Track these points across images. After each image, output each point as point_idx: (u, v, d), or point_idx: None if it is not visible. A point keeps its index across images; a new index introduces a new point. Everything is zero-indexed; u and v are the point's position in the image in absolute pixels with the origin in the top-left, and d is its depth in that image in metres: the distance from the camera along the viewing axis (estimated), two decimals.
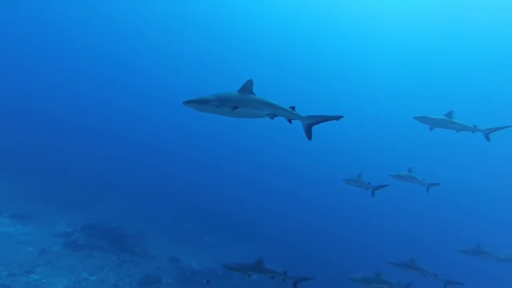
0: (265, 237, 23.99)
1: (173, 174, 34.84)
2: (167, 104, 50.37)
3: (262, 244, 22.89)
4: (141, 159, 37.41)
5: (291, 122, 5.73)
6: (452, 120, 9.25)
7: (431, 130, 9.40)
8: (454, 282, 9.05)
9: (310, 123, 5.65)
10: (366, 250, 21.24)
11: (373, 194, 10.41)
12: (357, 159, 46.80)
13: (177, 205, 26.39)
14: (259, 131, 49.00)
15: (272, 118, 5.46)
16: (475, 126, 9.28)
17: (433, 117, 9.11)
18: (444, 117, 9.25)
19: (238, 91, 5.35)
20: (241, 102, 5.06)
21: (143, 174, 32.04)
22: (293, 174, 45.55)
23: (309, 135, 5.70)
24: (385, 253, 11.17)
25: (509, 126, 8.73)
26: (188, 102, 4.80)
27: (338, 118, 5.37)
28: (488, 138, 9.22)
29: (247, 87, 5.36)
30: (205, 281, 10.87)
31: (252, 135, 51.87)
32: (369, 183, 10.35)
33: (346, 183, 10.73)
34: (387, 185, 10.21)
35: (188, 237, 21.30)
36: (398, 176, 10.55)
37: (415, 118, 9.12)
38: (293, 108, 5.62)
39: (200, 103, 4.81)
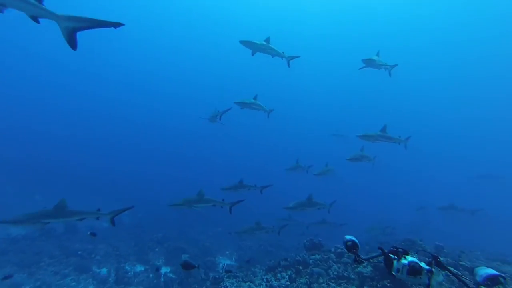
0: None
1: None
2: None
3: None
4: None
5: (38, 22, 4.01)
6: (270, 46, 10.49)
7: (253, 55, 10.43)
8: (266, 186, 11.40)
9: (73, 27, 4.05)
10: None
11: (220, 118, 13.75)
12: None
13: None
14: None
15: (1, 11, 3.82)
16: (283, 52, 11.15)
17: (255, 42, 10.04)
18: (264, 43, 10.32)
19: None
20: None
21: None
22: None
23: (72, 43, 4.12)
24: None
25: (298, 56, 11.62)
26: None
27: (116, 25, 4.11)
28: (288, 64, 11.70)
29: None
30: (89, 233, 9.78)
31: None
32: (220, 114, 13.50)
33: (209, 120, 14.24)
34: (229, 109, 12.65)
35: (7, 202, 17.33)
36: (243, 103, 11.47)
37: (240, 42, 9.76)
38: (40, 1, 3.91)
39: None
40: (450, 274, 2.73)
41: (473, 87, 53.99)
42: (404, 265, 2.59)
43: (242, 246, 16.97)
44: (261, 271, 9.94)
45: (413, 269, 2.54)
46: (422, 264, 2.59)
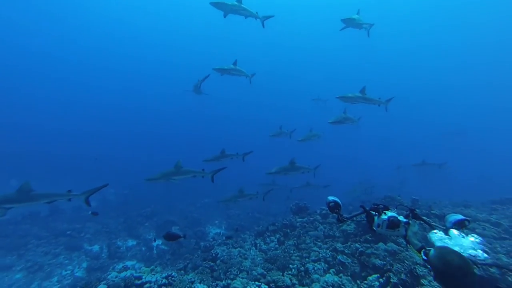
0: None
1: None
2: None
3: None
4: None
5: None
6: (242, 6, 10.19)
7: (225, 16, 10.08)
8: (247, 153, 11.48)
9: None
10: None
11: (200, 86, 14.52)
12: None
13: None
14: None
15: None
16: (256, 13, 11.01)
17: (227, 2, 9.67)
18: (236, 3, 9.96)
19: None
20: None
21: None
22: None
23: None
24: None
25: (273, 16, 11.54)
26: None
27: None
28: (263, 25, 11.56)
29: None
30: (90, 213, 9.80)
31: None
32: (199, 83, 14.19)
33: (193, 92, 14.83)
34: (208, 75, 13.00)
35: None
36: (222, 69, 11.14)
37: (211, 3, 9.38)
38: None
39: None
40: (424, 223, 2.97)
41: (444, 54, 55.81)
42: (384, 220, 2.76)
43: (230, 214, 17.47)
44: (251, 237, 10.38)
45: (392, 223, 2.72)
46: (400, 218, 2.76)
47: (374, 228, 2.85)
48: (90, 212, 10.02)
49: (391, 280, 5.75)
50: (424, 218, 2.99)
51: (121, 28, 57.60)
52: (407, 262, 6.21)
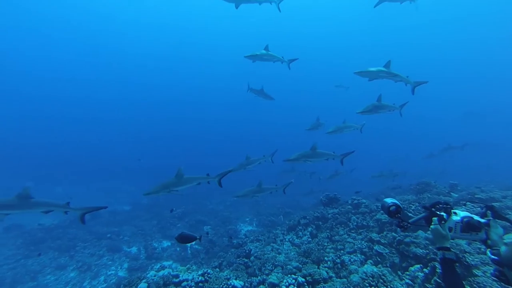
0: None
1: None
2: None
3: None
4: None
5: None
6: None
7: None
8: (274, 152, 11.16)
9: None
10: None
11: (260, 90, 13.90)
12: None
13: None
14: None
15: None
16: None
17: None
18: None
19: None
20: None
21: None
22: None
23: None
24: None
25: None
26: None
27: None
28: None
29: None
30: (170, 211, 10.51)
31: None
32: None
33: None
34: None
35: None
36: (254, 56, 10.62)
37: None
38: None
39: None
40: (509, 224, 2.32)
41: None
42: (456, 222, 2.22)
43: (260, 211, 17.46)
44: (283, 231, 10.29)
45: (470, 225, 2.15)
46: (476, 218, 2.19)
47: None
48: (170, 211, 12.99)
49: (438, 270, 5.31)
50: (507, 216, 2.34)
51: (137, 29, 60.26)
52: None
